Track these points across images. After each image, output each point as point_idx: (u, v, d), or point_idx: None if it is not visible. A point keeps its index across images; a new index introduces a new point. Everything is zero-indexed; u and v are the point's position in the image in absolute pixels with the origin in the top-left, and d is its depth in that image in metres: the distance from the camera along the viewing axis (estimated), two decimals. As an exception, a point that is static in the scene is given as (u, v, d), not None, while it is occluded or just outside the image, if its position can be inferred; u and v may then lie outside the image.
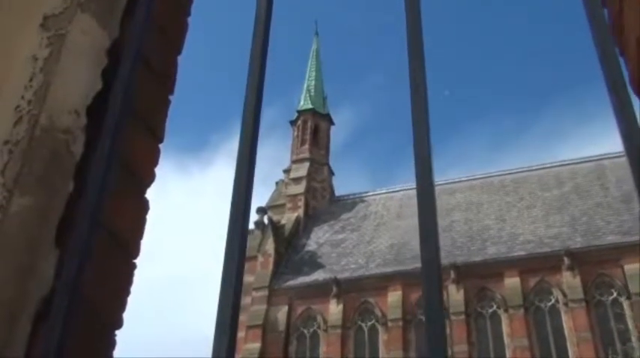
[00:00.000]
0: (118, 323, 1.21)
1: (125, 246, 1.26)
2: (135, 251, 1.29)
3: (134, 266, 1.28)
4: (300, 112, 35.69)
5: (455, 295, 24.86)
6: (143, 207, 1.34)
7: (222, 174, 75.81)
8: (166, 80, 1.50)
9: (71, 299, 1.04)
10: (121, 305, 1.22)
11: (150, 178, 1.37)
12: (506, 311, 24.31)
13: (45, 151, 1.12)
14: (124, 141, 1.26)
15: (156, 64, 1.44)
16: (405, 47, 1.23)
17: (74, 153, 1.17)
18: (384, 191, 33.71)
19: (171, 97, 1.51)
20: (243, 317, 27.47)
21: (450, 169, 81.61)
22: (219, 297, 1.02)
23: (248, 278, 28.78)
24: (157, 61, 1.45)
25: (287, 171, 34.04)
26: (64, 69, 1.20)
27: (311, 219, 31.76)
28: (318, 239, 30.30)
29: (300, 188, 32.64)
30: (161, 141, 1.43)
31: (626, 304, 22.91)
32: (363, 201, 32.72)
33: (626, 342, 21.89)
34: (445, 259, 25.67)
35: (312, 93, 36.23)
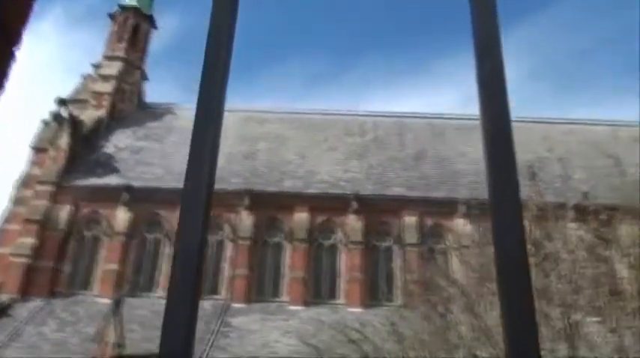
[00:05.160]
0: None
1: (6, 30, 1.10)
2: (16, 38, 1.13)
3: (13, 55, 1.12)
4: (122, 8, 33.50)
5: (246, 220, 25.41)
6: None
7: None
8: None
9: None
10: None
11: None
12: (290, 243, 25.39)
13: None
14: None
15: None
16: None
17: None
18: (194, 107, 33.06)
19: None
20: (22, 210, 25.80)
21: (264, 98, 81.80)
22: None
23: (35, 171, 26.97)
24: None
25: (97, 67, 31.96)
26: None
27: (114, 121, 30.33)
28: (118, 143, 29.11)
29: (108, 86, 30.89)
30: None
31: (399, 253, 25.00)
32: (172, 114, 31.87)
33: (392, 287, 24.01)
34: (243, 185, 26.06)
35: (139, -10, 34.14)
